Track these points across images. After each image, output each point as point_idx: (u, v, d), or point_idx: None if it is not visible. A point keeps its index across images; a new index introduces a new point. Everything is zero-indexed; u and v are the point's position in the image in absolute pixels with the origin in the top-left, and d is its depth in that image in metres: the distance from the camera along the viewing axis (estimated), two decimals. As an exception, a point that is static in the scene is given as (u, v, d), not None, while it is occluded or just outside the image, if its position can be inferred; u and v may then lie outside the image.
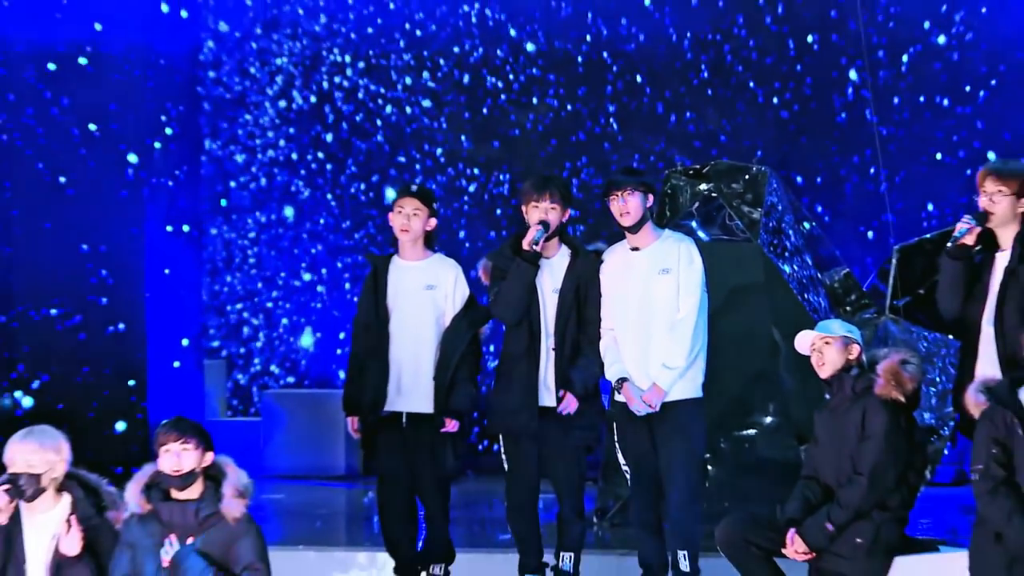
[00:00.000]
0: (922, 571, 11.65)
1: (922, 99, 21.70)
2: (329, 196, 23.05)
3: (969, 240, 12.07)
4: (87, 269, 20.62)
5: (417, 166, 22.50)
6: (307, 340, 23.41)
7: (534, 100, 22.55)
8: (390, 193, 22.16)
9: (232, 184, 23.25)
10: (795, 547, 11.54)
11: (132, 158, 21.02)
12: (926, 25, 21.76)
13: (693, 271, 12.90)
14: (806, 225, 17.77)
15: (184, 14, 22.21)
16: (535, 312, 13.22)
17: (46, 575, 11.22)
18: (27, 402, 19.86)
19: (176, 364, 21.86)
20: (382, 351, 13.48)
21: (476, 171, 22.39)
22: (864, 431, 11.43)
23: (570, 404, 12.94)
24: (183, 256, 22.51)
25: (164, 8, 21.67)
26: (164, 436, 11.04)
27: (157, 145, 21.64)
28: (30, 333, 20.34)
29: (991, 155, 19.86)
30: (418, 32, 22.69)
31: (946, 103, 21.59)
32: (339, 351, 22.97)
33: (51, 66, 20.35)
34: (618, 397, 13.01)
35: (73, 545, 11.02)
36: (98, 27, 20.71)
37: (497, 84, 22.52)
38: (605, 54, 22.21)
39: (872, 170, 21.69)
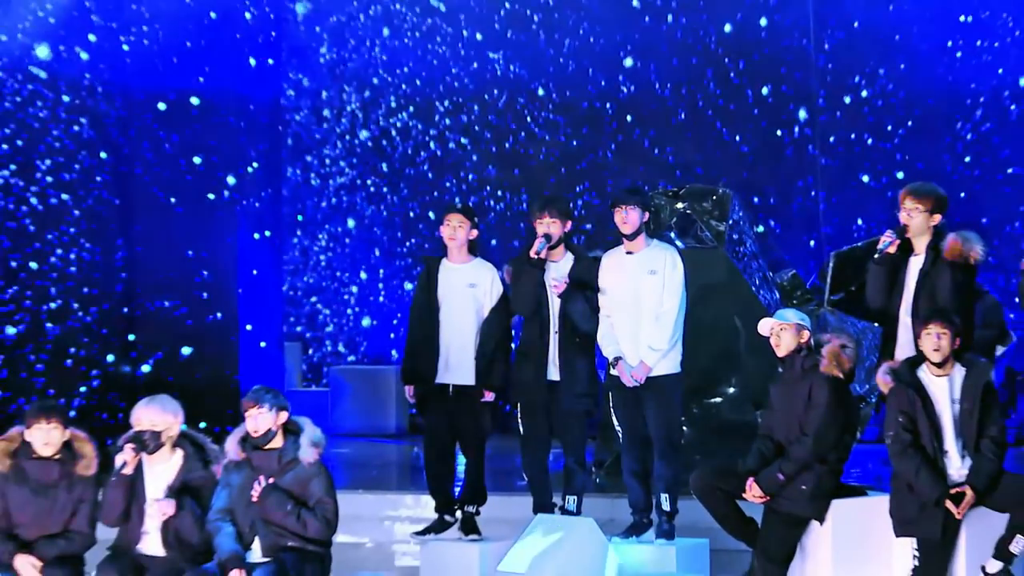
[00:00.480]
0: (853, 511, 11.62)
1: (853, 136, 21.70)
2: (385, 212, 23.06)
3: (892, 250, 12.13)
4: (192, 270, 20.61)
5: (454, 189, 22.49)
6: (366, 324, 23.40)
7: (546, 137, 22.54)
8: (432, 212, 22.25)
9: (308, 203, 23.24)
10: (753, 492, 11.54)
11: (230, 179, 21.08)
12: (856, 79, 21.75)
13: (676, 273, 12.94)
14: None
15: (271, 61, 22.26)
16: (544, 306, 13.24)
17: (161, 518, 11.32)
18: (145, 368, 19.90)
19: (262, 344, 21.90)
20: (433, 335, 13.47)
21: (501, 193, 22.40)
22: (810, 401, 11.45)
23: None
24: (268, 259, 22.54)
25: (252, 62, 21.69)
26: (246, 404, 11.19)
27: (250, 169, 21.67)
28: (148, 320, 20.34)
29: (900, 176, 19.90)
30: (455, 83, 22.70)
31: (871, 140, 21.56)
32: (391, 335, 22.98)
33: (162, 106, 20.35)
34: (613, 372, 13.01)
35: (169, 509, 11.21)
36: (200, 79, 20.72)
37: (517, 124, 22.49)
38: (603, 101, 22.17)
39: (813, 192, 21.70)
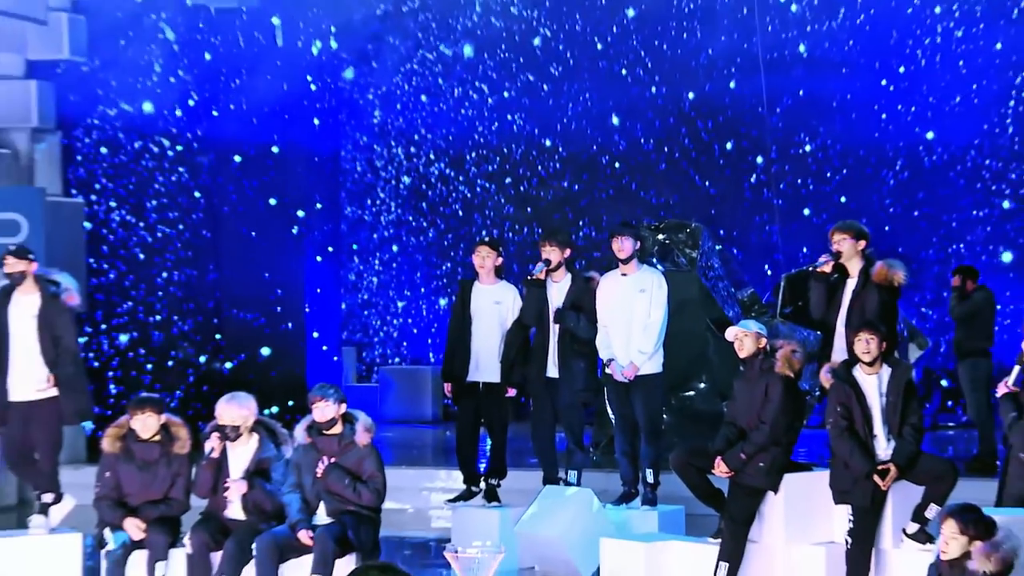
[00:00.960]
0: (801, 483, 11.54)
1: (799, 181, 21.64)
2: (424, 242, 23.02)
3: (826, 269, 12.10)
4: (269, 288, 20.62)
5: (480, 224, 22.43)
6: (408, 333, 23.33)
7: (553, 181, 22.49)
8: (462, 243, 22.20)
9: (361, 235, 23.20)
10: (720, 468, 11.45)
11: (300, 213, 21.04)
12: (802, 135, 21.70)
13: (661, 292, 12.97)
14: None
15: (337, 111, 22.25)
16: (545, 317, 13.25)
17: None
18: (231, 367, 19.86)
19: (324, 348, 21.85)
20: (466, 343, 13.53)
21: (517, 227, 22.34)
22: (767, 394, 11.36)
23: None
24: (329, 280, 22.51)
25: (316, 122, 21.66)
26: (312, 397, 11.20)
27: (315, 207, 21.63)
28: (232, 328, 20.34)
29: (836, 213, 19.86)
30: (481, 139, 22.68)
31: (813, 185, 21.49)
32: (428, 341, 22.92)
33: (240, 159, 20.34)
34: (608, 370, 13.00)
35: (242, 488, 11.24)
36: (275, 136, 20.71)
37: (530, 172, 22.45)
38: (599, 153, 22.12)
39: (767, 227, 21.63)
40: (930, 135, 21.21)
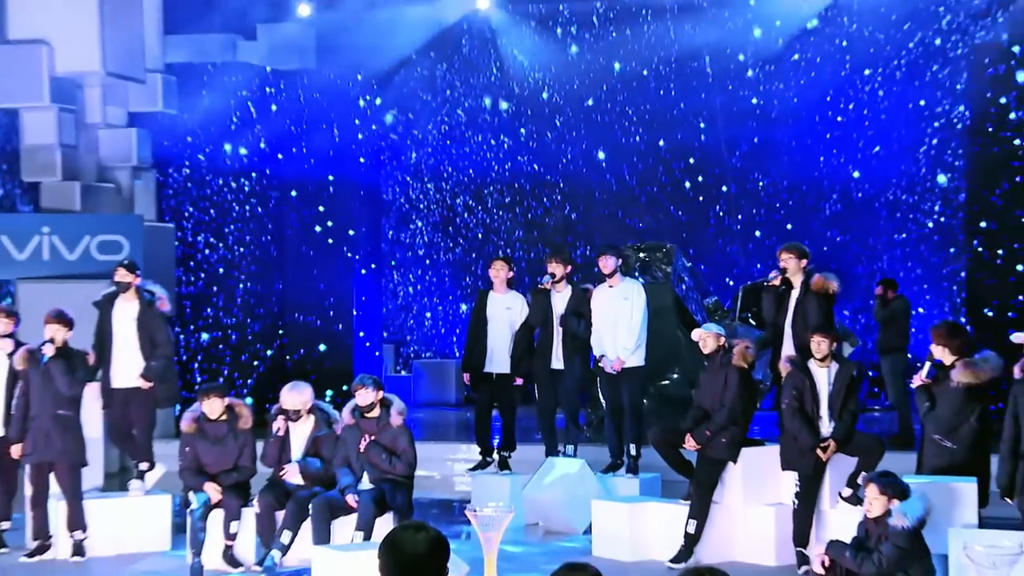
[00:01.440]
0: (755, 455, 11.45)
1: (753, 211, 21.54)
2: (451, 259, 22.94)
3: (775, 282, 12.05)
4: (323, 296, 20.60)
5: (496, 243, 22.32)
6: (437, 333, 23.23)
7: (556, 210, 22.40)
8: (481, 260, 22.13)
9: (399, 253, 23.13)
10: (690, 443, 11.39)
11: (350, 232, 20.96)
12: (756, 174, 21.62)
13: (641, 300, 13.00)
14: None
15: (380, 153, 22.18)
16: (551, 321, 13.23)
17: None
18: (290, 359, 19.76)
19: (367, 345, 21.75)
20: (483, 340, 13.54)
21: (527, 247, 22.24)
22: (726, 383, 11.31)
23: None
24: (373, 289, 22.44)
25: (361, 160, 21.60)
26: (355, 386, 11.17)
27: (361, 231, 21.56)
28: (294, 329, 20.32)
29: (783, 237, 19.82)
30: (496, 176, 22.58)
31: (765, 214, 21.37)
32: (453, 339, 22.80)
33: (294, 193, 20.27)
34: (599, 364, 12.98)
35: (295, 476, 11.17)
36: (331, 177, 20.68)
37: (537, 203, 22.38)
38: (593, 188, 22.05)
39: (728, 248, 21.56)
40: (857, 174, 21.12)
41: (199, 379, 18.42)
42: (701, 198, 21.73)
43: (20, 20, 15.73)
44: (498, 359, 13.45)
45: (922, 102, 20.52)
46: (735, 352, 11.44)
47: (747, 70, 21.36)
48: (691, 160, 21.80)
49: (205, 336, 19.21)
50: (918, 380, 10.67)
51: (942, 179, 20.61)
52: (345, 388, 18.22)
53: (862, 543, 9.27)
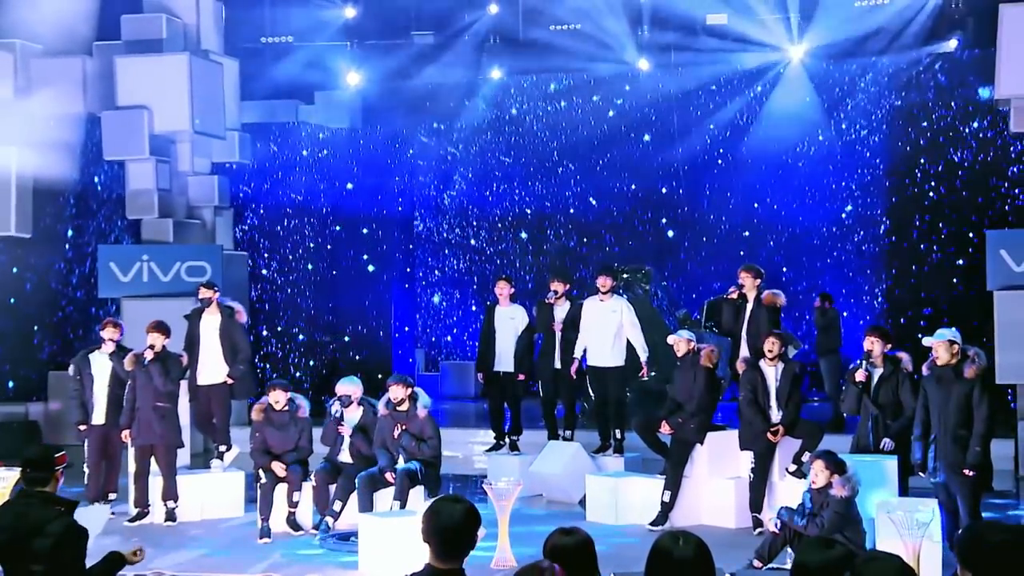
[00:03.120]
0: (719, 438, 11.39)
1: (716, 240, 21.32)
2: (471, 280, 22.74)
3: (734, 296, 11.96)
4: (366, 310, 20.53)
5: (507, 266, 22.15)
6: (459, 340, 23.09)
7: (554, 240, 22.21)
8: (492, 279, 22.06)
9: (428, 275, 22.94)
10: (665, 428, 11.33)
11: (403, 258, 20.87)
12: (719, 211, 21.41)
13: (630, 312, 12.86)
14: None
15: (412, 193, 22.07)
16: (552, 329, 13.07)
17: (350, 443, 11.18)
18: (343, 364, 19.64)
19: (399, 352, 21.65)
20: (492, 345, 13.35)
21: (536, 270, 22.03)
22: (695, 380, 11.23)
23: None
24: (406, 303, 22.31)
25: (399, 200, 21.53)
26: (389, 383, 11.04)
27: (396, 257, 21.49)
28: (344, 336, 20.18)
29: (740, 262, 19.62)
30: (507, 209, 22.34)
31: (726, 244, 21.18)
32: (470, 343, 22.65)
33: (337, 227, 20.18)
34: (590, 363, 12.83)
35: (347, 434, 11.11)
36: (372, 212, 20.61)
37: (542, 233, 22.22)
38: (588, 223, 21.90)
39: (695, 270, 21.40)
40: (798, 211, 20.93)
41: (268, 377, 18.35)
42: (675, 230, 21.56)
43: (126, 90, 15.80)
44: (504, 360, 13.26)
45: (867, 154, 20.32)
46: (703, 354, 11.37)
47: (710, 124, 21.16)
48: (666, 198, 21.56)
49: (274, 343, 19.16)
50: (861, 376, 10.48)
51: (866, 214, 20.46)
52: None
53: (807, 509, 9.19)
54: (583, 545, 4.43)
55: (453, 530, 4.21)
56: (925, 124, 18.76)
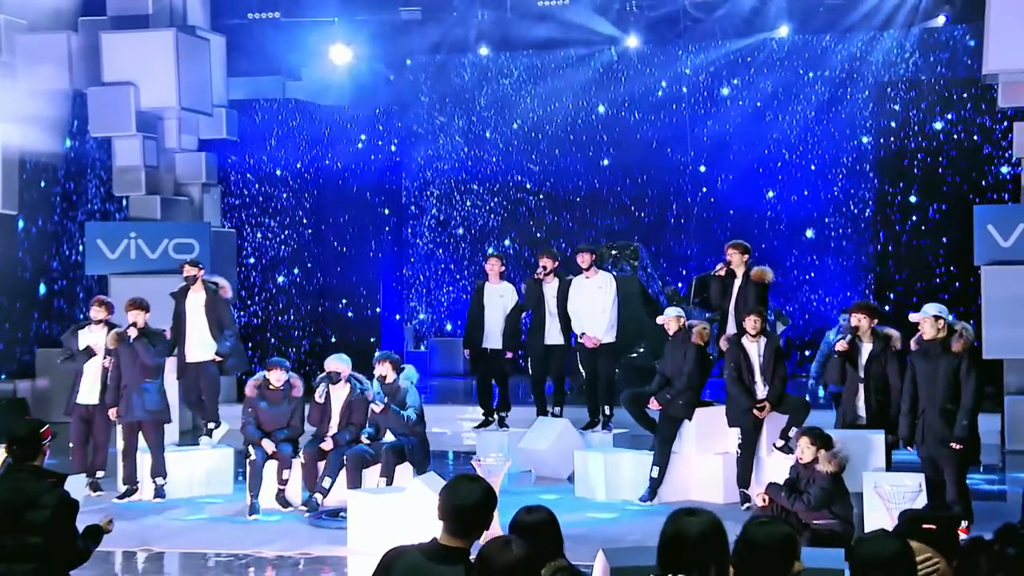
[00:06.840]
0: (707, 414, 11.42)
1: (704, 216, 21.33)
2: (456, 256, 22.67)
3: (721, 273, 11.92)
4: (356, 287, 20.48)
5: (494, 242, 22.10)
6: (447, 316, 23.08)
7: (549, 221, 22.12)
8: (480, 256, 22.04)
9: (417, 251, 22.90)
10: (654, 404, 11.35)
11: (391, 235, 20.82)
12: (704, 188, 21.41)
13: (612, 288, 12.81)
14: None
15: (399, 170, 22.03)
16: (542, 304, 13.03)
17: (338, 420, 11.16)
18: (332, 340, 19.60)
19: (393, 321, 21.62)
20: (480, 322, 13.28)
21: (519, 245, 21.99)
22: (685, 356, 11.23)
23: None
24: (395, 280, 22.27)
25: (386, 175, 21.48)
26: (376, 361, 11.07)
27: (387, 229, 21.43)
28: (333, 314, 20.15)
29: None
30: (497, 185, 22.06)
31: (714, 220, 21.19)
32: (459, 322, 22.57)
33: (331, 203, 20.13)
34: (580, 340, 12.78)
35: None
36: (357, 187, 20.54)
37: (527, 212, 22.20)
38: (575, 199, 21.88)
39: (683, 247, 21.43)
40: (772, 195, 20.93)
41: (254, 353, 18.30)
42: (662, 207, 21.54)
43: (112, 66, 15.70)
44: (492, 337, 13.19)
45: (852, 157, 20.39)
46: (695, 331, 11.33)
47: (697, 108, 21.20)
48: (655, 177, 21.55)
49: (260, 318, 19.14)
50: (842, 346, 10.49)
51: (855, 192, 20.49)
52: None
53: (794, 484, 9.22)
54: (545, 523, 4.56)
55: (468, 508, 4.22)
56: (912, 98, 18.77)
